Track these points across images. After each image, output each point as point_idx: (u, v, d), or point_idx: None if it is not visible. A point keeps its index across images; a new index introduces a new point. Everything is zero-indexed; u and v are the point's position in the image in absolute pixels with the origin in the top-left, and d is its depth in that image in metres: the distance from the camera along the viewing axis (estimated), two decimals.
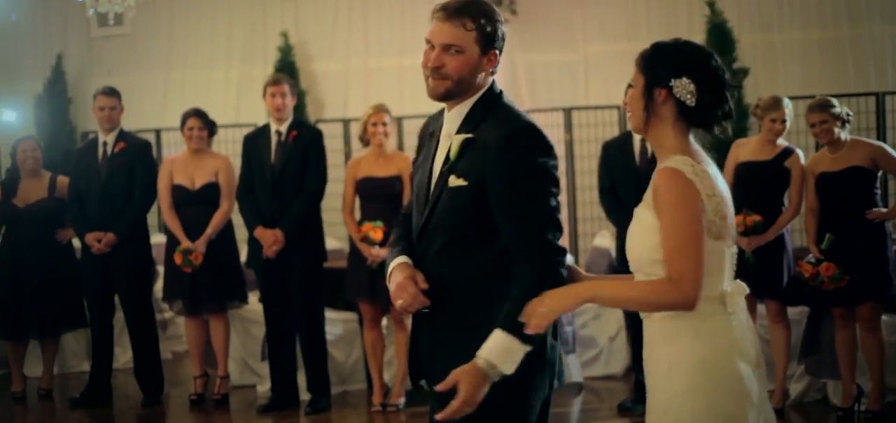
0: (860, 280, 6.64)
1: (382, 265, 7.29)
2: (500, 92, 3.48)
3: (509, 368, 3.20)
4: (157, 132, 11.47)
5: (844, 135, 6.78)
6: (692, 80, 3.12)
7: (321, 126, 11.11)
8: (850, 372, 6.86)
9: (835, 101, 6.81)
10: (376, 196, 7.58)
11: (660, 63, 3.17)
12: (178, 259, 7.73)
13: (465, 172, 3.33)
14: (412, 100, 10.73)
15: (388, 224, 7.31)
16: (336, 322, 8.15)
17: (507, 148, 3.29)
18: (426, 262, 3.43)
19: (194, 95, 11.57)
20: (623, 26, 10.66)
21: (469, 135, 3.36)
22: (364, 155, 7.79)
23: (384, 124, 7.53)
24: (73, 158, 8.49)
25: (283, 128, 7.66)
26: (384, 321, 7.84)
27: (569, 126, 10.28)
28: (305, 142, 7.64)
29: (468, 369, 3.18)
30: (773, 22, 10.33)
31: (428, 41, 3.40)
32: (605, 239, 9.15)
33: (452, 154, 3.37)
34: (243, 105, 11.65)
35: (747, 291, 3.25)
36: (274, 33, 11.53)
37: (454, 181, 3.34)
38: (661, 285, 3.12)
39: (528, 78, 10.86)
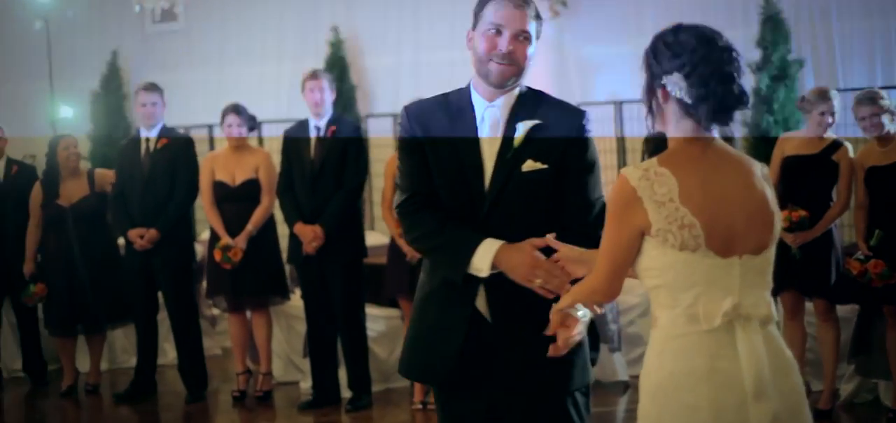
0: None
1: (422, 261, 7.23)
2: None
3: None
4: (210, 128, 11.51)
5: (894, 128, 6.56)
6: (682, 73, 2.87)
7: (371, 121, 11.14)
8: None
9: (883, 93, 6.59)
10: None
11: (654, 59, 2.95)
12: (217, 256, 7.72)
13: (541, 155, 3.41)
14: None
15: None
16: (378, 319, 8.07)
17: (584, 131, 3.49)
18: None
19: (247, 90, 11.58)
20: (677, 17, 10.34)
21: (536, 121, 3.43)
22: None
23: None
24: (117, 155, 8.50)
25: (322, 123, 7.59)
26: None
27: (620, 120, 10.10)
28: (344, 136, 7.57)
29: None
30: (830, 10, 10.00)
31: (495, 26, 3.41)
32: None
33: (518, 141, 3.42)
34: (295, 101, 11.61)
35: (767, 310, 2.87)
36: (325, 28, 11.49)
37: (532, 165, 3.41)
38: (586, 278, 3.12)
39: (579, 70, 10.68)
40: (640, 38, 10.44)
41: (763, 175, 2.98)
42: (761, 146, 9.02)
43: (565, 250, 3.26)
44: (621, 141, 10.12)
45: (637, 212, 2.85)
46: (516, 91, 3.51)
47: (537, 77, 10.07)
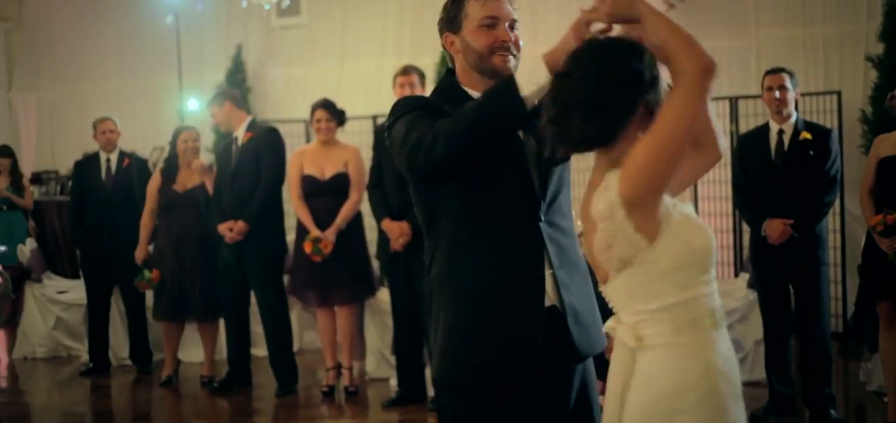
0: None
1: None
2: None
3: None
4: None
5: None
6: None
7: None
8: None
9: None
10: None
11: None
12: (307, 248, 7.75)
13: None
14: None
15: None
16: None
17: None
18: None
19: (366, 85, 11.69)
20: (798, 10, 10.04)
21: None
22: None
23: None
24: (215, 155, 8.63)
25: None
26: None
27: (735, 116, 9.74)
28: None
29: None
30: None
31: (491, 19, 3.35)
32: None
33: None
34: None
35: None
36: None
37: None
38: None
39: None
40: (759, 32, 10.20)
41: (612, 198, 2.72)
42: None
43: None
44: (737, 138, 9.75)
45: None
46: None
47: None
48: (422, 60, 11.46)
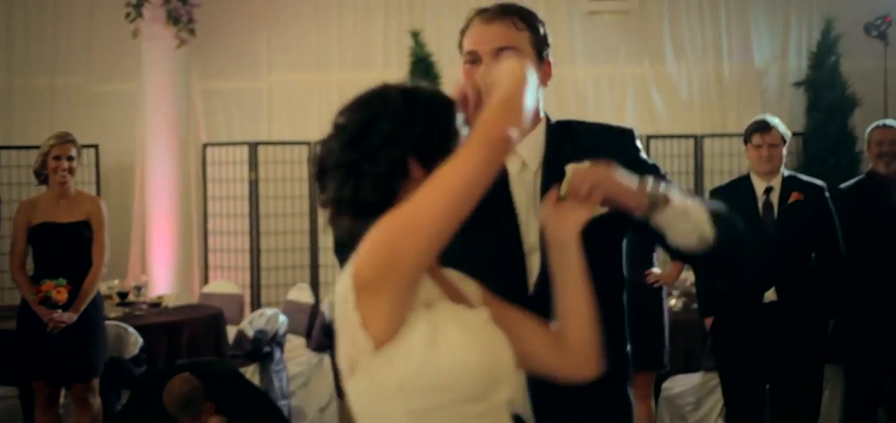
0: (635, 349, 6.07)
1: (64, 332, 5.96)
2: None
3: None
4: None
5: None
6: None
7: None
8: None
9: None
10: (57, 247, 6.16)
11: None
12: None
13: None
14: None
15: (73, 282, 6.03)
16: None
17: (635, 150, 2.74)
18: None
19: None
20: (313, 55, 9.66)
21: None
22: (40, 195, 6.36)
23: (70, 158, 6.17)
24: None
25: None
26: (62, 400, 6.42)
27: (255, 163, 9.14)
28: None
29: None
30: None
31: (472, 53, 2.59)
32: (303, 292, 8.38)
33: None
34: None
35: None
36: None
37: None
38: None
39: (207, 108, 9.59)
40: (271, 75, 9.69)
41: (346, 281, 2.04)
42: None
43: None
44: (255, 186, 9.22)
45: None
46: (543, 122, 2.68)
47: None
48: None
